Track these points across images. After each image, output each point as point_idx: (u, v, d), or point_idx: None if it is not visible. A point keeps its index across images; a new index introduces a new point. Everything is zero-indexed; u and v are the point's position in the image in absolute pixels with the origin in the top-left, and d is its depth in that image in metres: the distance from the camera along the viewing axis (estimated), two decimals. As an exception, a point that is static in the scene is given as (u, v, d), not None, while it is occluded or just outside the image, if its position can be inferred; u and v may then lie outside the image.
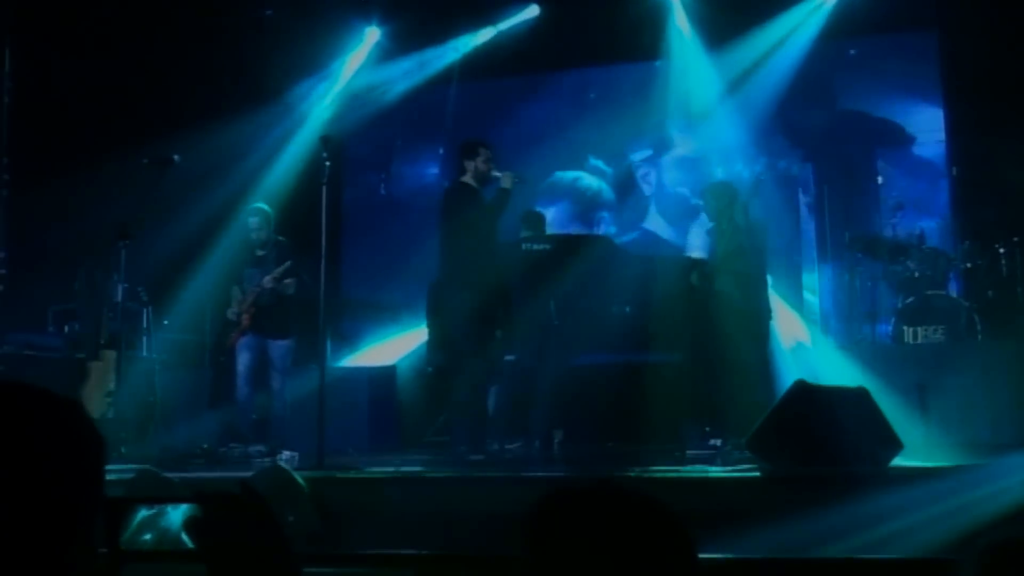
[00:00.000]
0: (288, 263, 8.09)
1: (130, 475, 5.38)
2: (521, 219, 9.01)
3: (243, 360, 8.26)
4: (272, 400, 8.21)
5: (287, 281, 8.14)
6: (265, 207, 8.60)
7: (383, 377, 9.52)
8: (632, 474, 5.31)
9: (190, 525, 1.57)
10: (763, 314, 7.71)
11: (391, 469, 6.50)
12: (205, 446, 8.08)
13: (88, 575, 1.35)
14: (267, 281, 8.13)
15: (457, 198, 7.46)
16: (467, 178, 7.44)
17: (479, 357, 7.33)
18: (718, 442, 7.61)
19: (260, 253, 8.40)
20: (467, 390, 7.36)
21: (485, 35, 11.46)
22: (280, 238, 8.42)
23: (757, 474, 5.67)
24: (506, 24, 11.34)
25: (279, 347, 8.25)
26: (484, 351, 7.39)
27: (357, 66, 11.67)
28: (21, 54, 9.24)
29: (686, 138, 11.37)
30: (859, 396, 5.93)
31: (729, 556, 4.42)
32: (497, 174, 7.45)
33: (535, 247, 8.36)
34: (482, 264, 7.29)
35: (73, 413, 1.36)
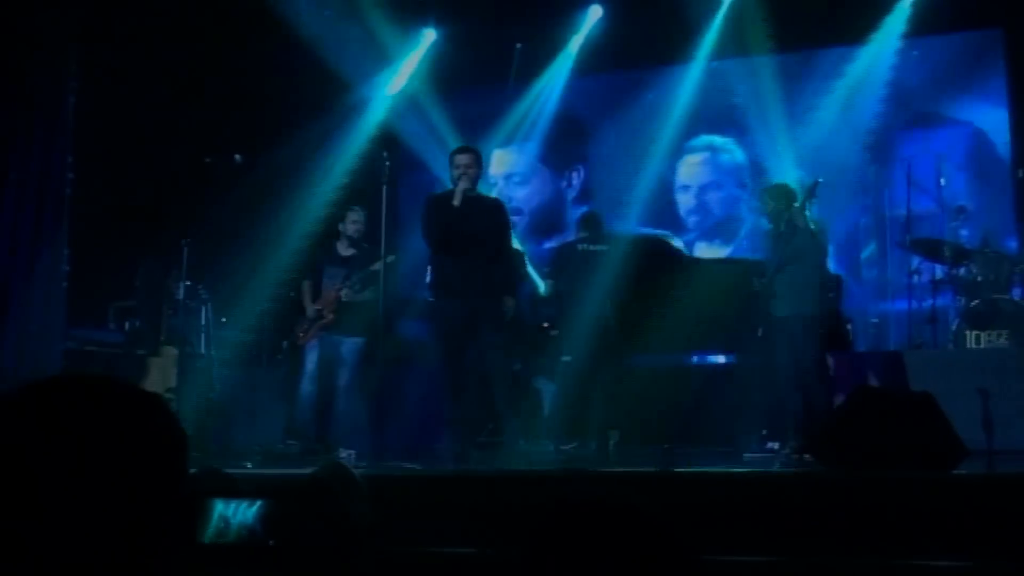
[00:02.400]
0: (364, 272, 8.09)
1: (192, 471, 5.44)
2: (578, 221, 9.01)
3: (312, 358, 8.32)
4: (336, 398, 8.26)
5: (359, 274, 8.21)
6: (364, 202, 8.68)
7: (436, 377, 9.54)
8: (691, 476, 5.29)
9: (265, 520, 1.58)
10: (821, 317, 7.63)
11: (449, 467, 6.52)
12: (257, 447, 8.14)
13: (169, 569, 1.36)
14: (345, 295, 8.22)
15: (423, 207, 7.54)
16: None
17: None
18: (775, 445, 7.57)
19: (345, 254, 8.47)
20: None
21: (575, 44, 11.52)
22: (365, 244, 8.47)
23: (817, 478, 5.61)
24: (582, 33, 11.40)
25: (352, 344, 8.30)
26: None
27: (413, 67, 11.74)
28: (87, 54, 9.38)
29: (739, 141, 11.38)
30: (922, 401, 5.84)
31: (789, 559, 4.39)
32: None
33: (591, 248, 8.35)
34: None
35: (159, 408, 1.37)
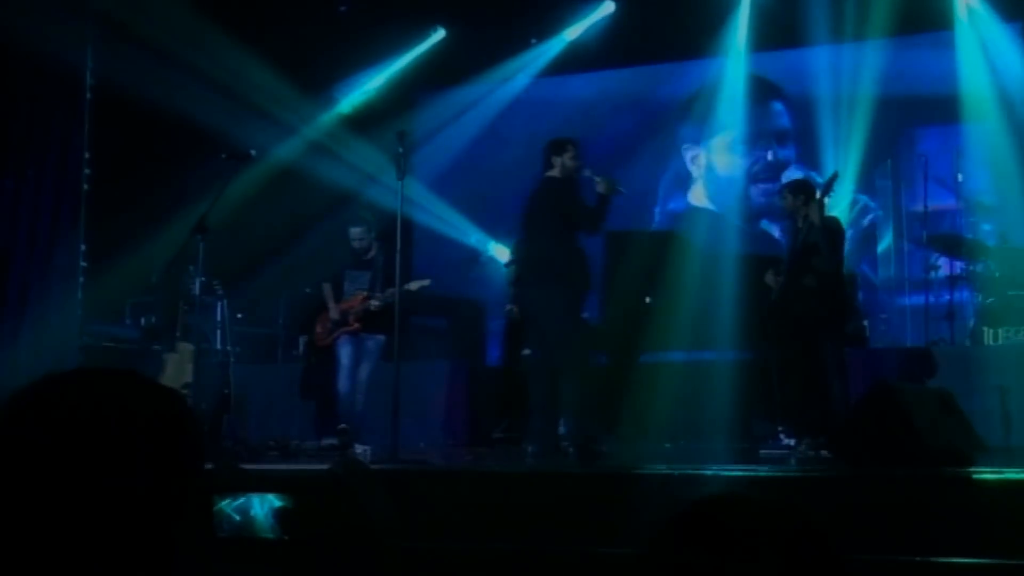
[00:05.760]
0: (401, 290, 7.89)
1: (207, 466, 5.45)
2: None
3: (346, 353, 8.27)
4: (355, 393, 8.25)
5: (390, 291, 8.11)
6: (367, 215, 8.60)
7: (453, 373, 9.56)
8: (708, 472, 5.27)
9: (281, 515, 1.57)
10: (839, 313, 7.59)
11: (465, 464, 6.52)
12: (273, 442, 8.15)
13: (186, 563, 1.36)
14: (375, 306, 8.17)
15: (553, 192, 7.19)
16: (554, 173, 7.21)
17: (564, 351, 7.16)
18: (791, 442, 7.54)
19: (366, 257, 8.42)
20: (546, 385, 7.08)
21: (571, 33, 11.54)
22: (379, 242, 8.42)
23: (835, 474, 5.59)
24: (583, 24, 11.42)
25: (376, 341, 8.28)
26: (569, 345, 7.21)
27: (419, 62, 11.84)
28: (102, 51, 9.41)
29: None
30: (941, 397, 5.82)
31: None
32: (594, 176, 7.27)
33: None
34: (577, 259, 7.14)
35: (176, 403, 1.37)
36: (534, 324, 7.43)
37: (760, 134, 11.63)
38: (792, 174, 10.67)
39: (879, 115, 10.50)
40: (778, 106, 11.68)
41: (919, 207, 9.64)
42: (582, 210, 7.11)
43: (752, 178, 11.64)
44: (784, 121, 11.72)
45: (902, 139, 10.79)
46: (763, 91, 11.71)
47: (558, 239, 7.06)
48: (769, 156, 11.62)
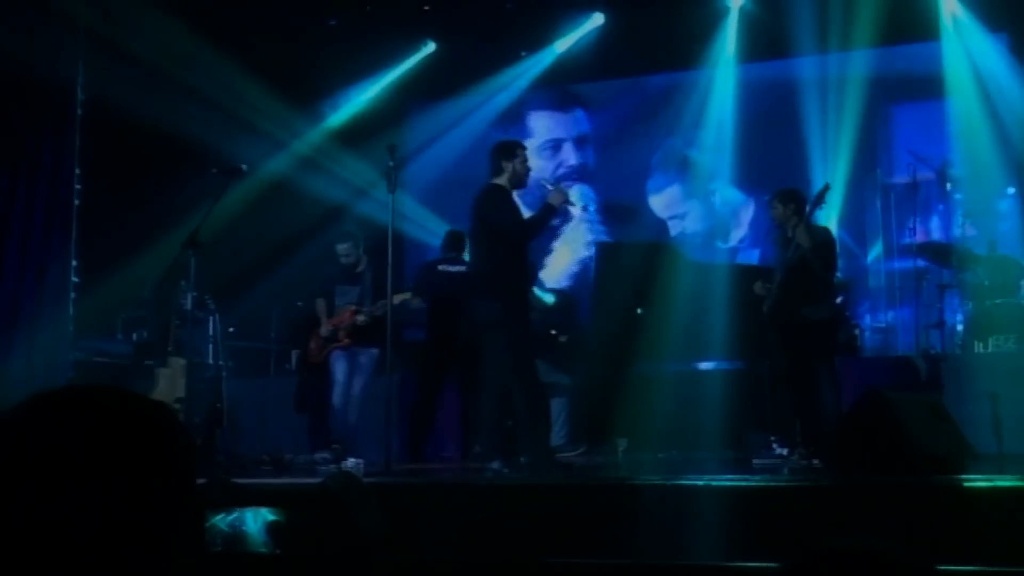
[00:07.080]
0: (382, 304, 7.80)
1: (200, 481, 5.44)
2: (443, 239, 8.94)
3: (340, 368, 8.27)
4: (348, 406, 8.25)
5: (381, 303, 8.07)
6: (353, 230, 8.62)
7: (445, 386, 9.54)
8: (700, 483, 5.27)
9: (274, 529, 1.58)
10: (829, 322, 7.61)
11: (458, 477, 6.51)
12: (266, 456, 8.14)
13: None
14: (361, 321, 8.18)
15: (487, 202, 6.94)
16: (501, 180, 6.95)
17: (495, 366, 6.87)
18: (784, 451, 7.56)
19: (356, 271, 8.43)
20: (493, 401, 6.86)
21: (561, 45, 11.65)
22: (367, 256, 8.44)
23: (827, 483, 5.60)
24: (573, 36, 11.51)
25: (369, 355, 8.28)
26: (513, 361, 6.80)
27: (409, 76, 11.90)
28: (93, 67, 9.43)
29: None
30: (932, 406, 5.84)
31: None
32: (548, 186, 7.22)
33: (451, 268, 8.41)
34: (512, 271, 6.88)
35: (167, 418, 1.37)
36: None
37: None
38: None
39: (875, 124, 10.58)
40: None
41: (909, 216, 9.68)
42: (514, 224, 6.88)
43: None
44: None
45: (893, 147, 10.85)
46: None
47: (491, 252, 6.85)
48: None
